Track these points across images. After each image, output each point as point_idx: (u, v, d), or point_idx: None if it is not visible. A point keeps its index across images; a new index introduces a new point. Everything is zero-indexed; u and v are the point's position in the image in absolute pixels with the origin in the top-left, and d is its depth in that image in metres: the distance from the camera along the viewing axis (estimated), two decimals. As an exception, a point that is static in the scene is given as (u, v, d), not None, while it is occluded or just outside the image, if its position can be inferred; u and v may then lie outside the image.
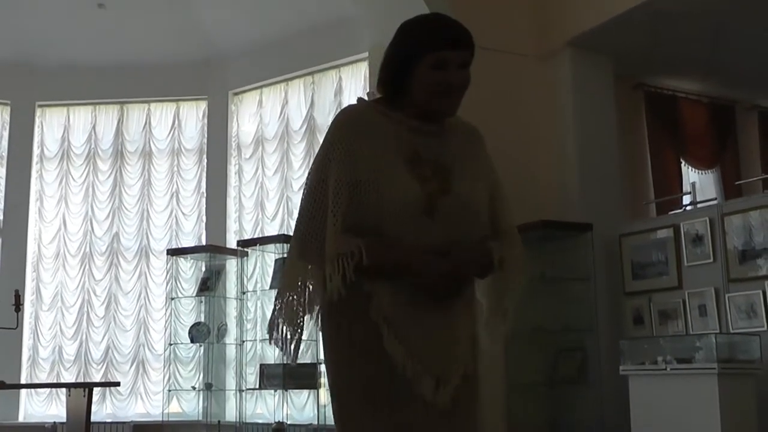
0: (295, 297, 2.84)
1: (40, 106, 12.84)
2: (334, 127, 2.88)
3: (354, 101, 3.09)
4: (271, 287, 9.70)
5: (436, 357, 2.74)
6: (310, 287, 2.84)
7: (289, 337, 2.83)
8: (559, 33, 8.92)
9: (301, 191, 2.96)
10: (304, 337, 2.87)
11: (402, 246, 2.75)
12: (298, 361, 2.97)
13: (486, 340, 3.03)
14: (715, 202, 8.79)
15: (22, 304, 8.72)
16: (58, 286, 12.38)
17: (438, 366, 2.74)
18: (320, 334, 2.92)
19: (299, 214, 2.88)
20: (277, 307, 2.86)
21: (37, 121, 12.80)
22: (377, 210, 2.74)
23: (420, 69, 2.83)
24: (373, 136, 2.84)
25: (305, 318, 2.85)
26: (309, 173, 2.91)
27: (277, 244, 9.89)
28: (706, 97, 10.65)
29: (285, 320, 2.84)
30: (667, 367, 7.07)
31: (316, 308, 2.85)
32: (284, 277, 2.89)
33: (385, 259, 2.74)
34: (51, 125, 12.85)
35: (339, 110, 3.04)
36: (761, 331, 7.08)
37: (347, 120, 2.90)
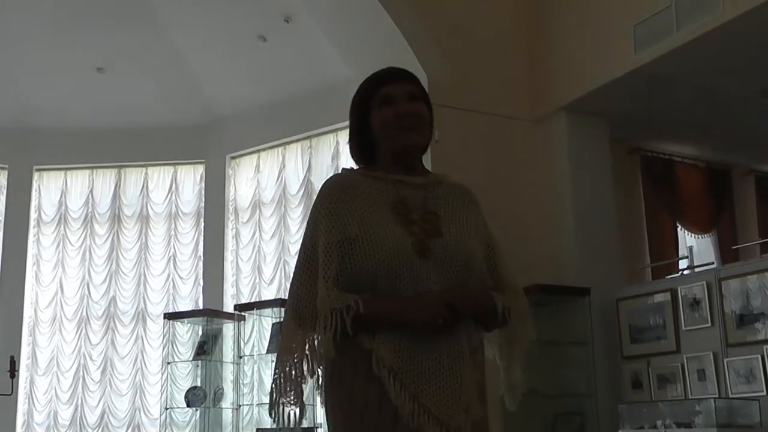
0: (293, 365, 2.78)
1: (38, 170, 12.87)
2: (320, 194, 2.93)
3: (351, 165, 3.13)
4: (268, 351, 9.64)
5: (444, 406, 2.67)
6: (308, 353, 2.77)
7: (291, 407, 2.79)
8: (555, 97, 8.97)
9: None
10: (307, 402, 2.84)
11: (397, 295, 2.73)
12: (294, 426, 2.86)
13: (507, 399, 3.03)
14: (712, 266, 8.78)
15: (18, 370, 8.67)
16: (54, 351, 12.32)
17: (446, 415, 2.67)
18: (320, 397, 2.86)
19: (292, 280, 2.87)
20: (276, 378, 2.81)
21: (35, 185, 12.83)
22: (370, 262, 2.73)
23: (374, 116, 2.96)
24: (358, 194, 2.86)
25: (305, 386, 2.78)
26: (303, 236, 2.92)
27: (275, 308, 9.83)
28: (702, 161, 10.69)
29: (284, 391, 2.78)
30: (667, 431, 7.02)
31: (318, 372, 2.80)
32: (281, 346, 2.84)
33: (381, 308, 2.71)
34: (48, 189, 12.88)
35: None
36: (761, 396, 7.03)
37: (331, 185, 2.95)
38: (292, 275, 2.90)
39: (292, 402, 2.77)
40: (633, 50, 8.04)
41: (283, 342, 2.83)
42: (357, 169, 3.04)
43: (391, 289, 2.73)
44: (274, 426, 9.46)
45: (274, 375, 2.80)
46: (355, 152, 3.08)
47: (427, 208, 2.90)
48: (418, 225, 2.83)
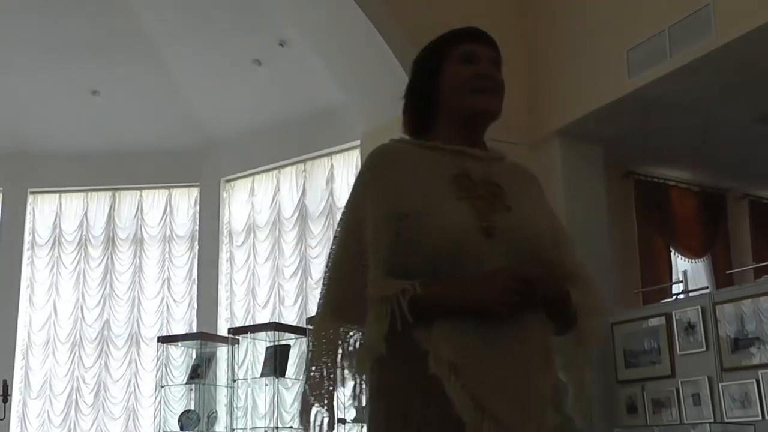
0: (327, 366, 2.37)
1: (32, 192, 12.87)
2: (367, 162, 2.54)
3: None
4: (262, 375, 9.62)
5: (512, 414, 2.26)
6: (348, 350, 2.38)
7: (322, 419, 2.37)
8: (549, 121, 8.98)
9: (334, 239, 2.51)
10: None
11: (457, 279, 2.33)
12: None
13: (576, 416, 2.61)
14: (706, 290, 8.78)
15: (10, 395, 8.64)
16: (47, 374, 12.30)
17: (515, 424, 2.26)
18: (357, 408, 2.48)
19: (331, 264, 2.46)
20: (307, 383, 2.40)
21: (29, 207, 12.82)
22: (429, 242, 2.33)
23: (449, 72, 2.59)
24: (412, 164, 2.49)
25: (339, 391, 2.39)
26: (341, 217, 2.53)
27: (269, 332, 9.82)
28: (696, 185, 10.69)
29: (317, 398, 2.37)
30: (661, 456, 7.01)
31: (357, 378, 2.37)
32: (314, 344, 2.41)
33: (442, 291, 2.31)
34: (43, 212, 12.88)
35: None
36: (756, 421, 7.02)
37: (379, 153, 2.55)
38: (330, 257, 2.48)
39: (324, 408, 2.37)
40: (626, 75, 8.06)
41: (315, 341, 2.42)
42: (408, 139, 2.63)
43: (453, 273, 2.33)
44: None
45: (307, 378, 2.40)
46: (409, 116, 2.67)
47: (490, 180, 2.51)
48: (483, 200, 2.44)
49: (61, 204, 12.89)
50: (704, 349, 7.56)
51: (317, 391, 2.37)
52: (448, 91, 2.57)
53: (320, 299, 2.46)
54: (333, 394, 2.36)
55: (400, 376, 2.33)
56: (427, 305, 2.28)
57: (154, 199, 12.82)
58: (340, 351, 2.38)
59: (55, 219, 12.84)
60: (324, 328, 2.40)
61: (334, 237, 2.50)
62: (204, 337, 10.79)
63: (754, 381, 7.12)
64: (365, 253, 2.36)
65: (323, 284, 2.46)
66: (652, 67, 7.85)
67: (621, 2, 8.34)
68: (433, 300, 2.28)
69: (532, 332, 2.37)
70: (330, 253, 2.48)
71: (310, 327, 2.48)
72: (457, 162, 2.51)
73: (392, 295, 2.26)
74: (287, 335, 9.69)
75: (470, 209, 2.39)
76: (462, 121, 2.59)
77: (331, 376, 2.37)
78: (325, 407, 2.37)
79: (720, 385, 7.38)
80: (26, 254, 12.69)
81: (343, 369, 2.37)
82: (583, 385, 2.59)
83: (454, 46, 2.60)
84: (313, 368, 2.38)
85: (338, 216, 11.29)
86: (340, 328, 2.39)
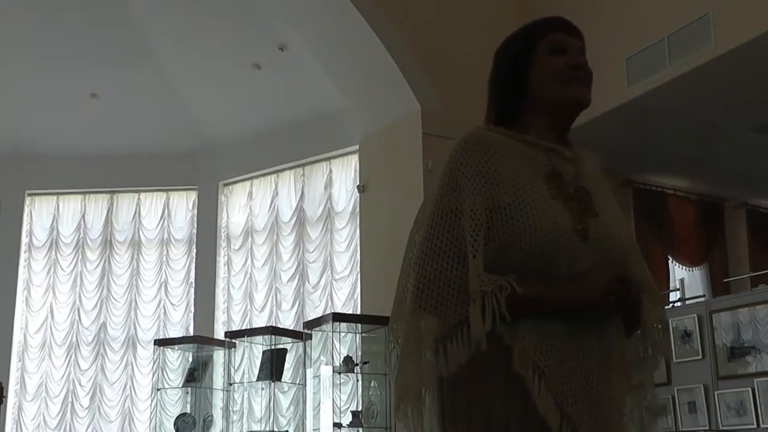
0: (419, 360, 2.26)
1: (30, 194, 12.86)
2: (458, 149, 2.42)
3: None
4: (258, 379, 9.61)
5: (593, 423, 2.23)
6: (441, 348, 2.23)
7: (417, 417, 2.26)
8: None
9: (421, 228, 2.39)
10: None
11: (550, 278, 2.28)
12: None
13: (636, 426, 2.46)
14: (703, 299, 8.77)
15: (6, 396, 8.63)
16: (43, 376, 12.28)
17: None
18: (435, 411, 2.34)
19: (422, 253, 2.31)
20: (399, 378, 2.29)
21: (27, 209, 12.81)
22: (524, 238, 2.26)
23: (538, 62, 2.53)
24: (505, 156, 2.40)
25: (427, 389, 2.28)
26: (427, 205, 2.41)
27: (265, 336, 9.82)
28: (694, 194, 10.71)
29: (410, 397, 2.26)
30: (657, 464, 7.00)
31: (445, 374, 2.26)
32: (405, 340, 2.30)
33: (538, 289, 2.25)
34: (40, 214, 12.86)
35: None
36: (751, 429, 7.02)
37: (473, 140, 2.44)
38: (416, 248, 2.35)
39: (417, 402, 2.27)
40: (626, 83, 8.07)
41: (407, 329, 2.30)
42: (499, 129, 2.51)
43: (544, 272, 2.27)
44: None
45: (398, 372, 2.30)
46: (494, 106, 2.60)
47: (578, 183, 2.47)
48: (575, 202, 2.39)
49: (58, 206, 12.88)
50: (700, 357, 7.56)
51: (410, 386, 2.27)
52: (538, 81, 2.52)
53: (407, 292, 2.33)
54: (424, 391, 2.28)
55: (480, 369, 2.25)
56: (523, 302, 2.22)
57: (152, 203, 12.81)
58: (432, 344, 2.25)
59: (53, 221, 12.83)
60: (417, 320, 2.26)
61: (418, 221, 2.42)
62: (201, 341, 10.78)
63: (750, 389, 7.12)
64: (459, 246, 2.27)
65: (414, 274, 2.32)
66: (651, 75, 7.86)
67: (620, 10, 8.35)
68: (529, 298, 2.23)
69: (611, 338, 2.34)
70: (415, 238, 2.39)
71: (396, 317, 2.37)
72: (548, 159, 2.46)
73: (491, 291, 2.19)
74: (284, 339, 9.69)
75: (565, 210, 2.35)
76: (553, 112, 2.54)
77: (424, 370, 2.26)
78: (420, 402, 2.28)
79: (716, 393, 7.38)
80: (23, 256, 12.68)
81: (436, 363, 2.25)
82: (647, 393, 2.50)
83: (541, 37, 2.57)
84: (405, 362, 2.28)
85: (336, 221, 11.24)
86: (433, 320, 2.24)
